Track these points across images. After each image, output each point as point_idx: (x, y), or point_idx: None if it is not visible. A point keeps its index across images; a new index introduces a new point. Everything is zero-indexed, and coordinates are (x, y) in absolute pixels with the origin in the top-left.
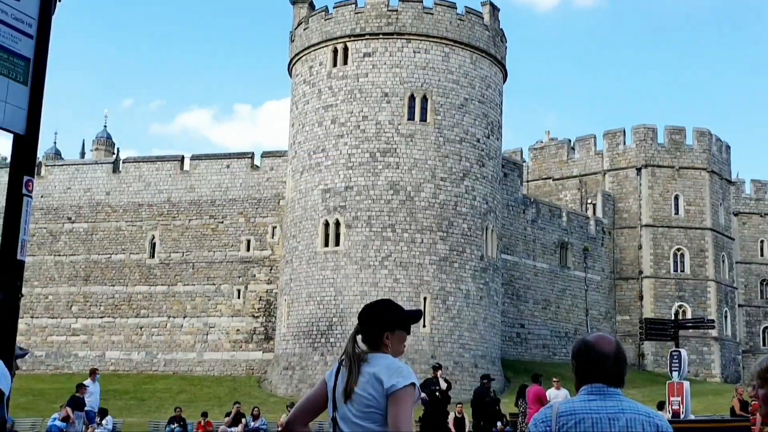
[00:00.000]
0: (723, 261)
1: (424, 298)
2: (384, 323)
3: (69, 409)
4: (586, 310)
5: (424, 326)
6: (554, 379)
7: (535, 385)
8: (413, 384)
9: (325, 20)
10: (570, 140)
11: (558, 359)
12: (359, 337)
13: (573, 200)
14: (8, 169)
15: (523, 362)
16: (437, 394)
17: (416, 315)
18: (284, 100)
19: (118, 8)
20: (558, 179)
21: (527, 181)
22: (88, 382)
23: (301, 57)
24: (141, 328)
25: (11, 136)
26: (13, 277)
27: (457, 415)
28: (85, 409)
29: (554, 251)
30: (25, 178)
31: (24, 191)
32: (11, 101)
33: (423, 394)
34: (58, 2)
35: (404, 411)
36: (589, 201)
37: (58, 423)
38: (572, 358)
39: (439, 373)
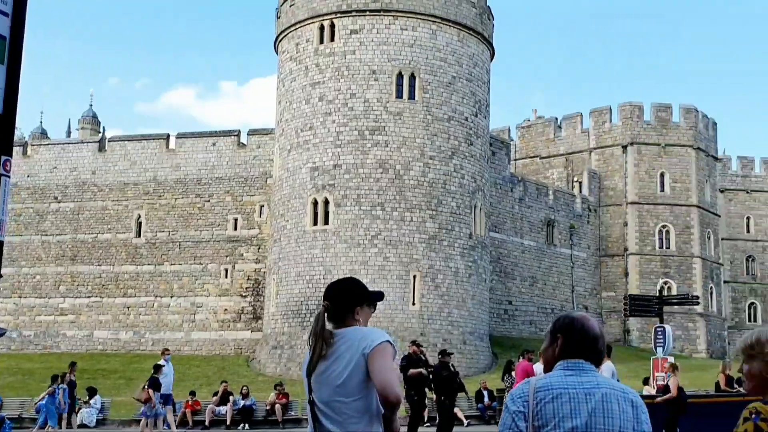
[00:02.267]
0: (709, 238)
1: (414, 276)
2: (355, 298)
3: (150, 391)
4: (572, 287)
5: (413, 304)
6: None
7: (523, 360)
8: (388, 341)
9: None
10: (557, 118)
11: (544, 335)
12: (325, 315)
13: (560, 178)
14: None
15: (510, 338)
16: (429, 371)
17: (380, 295)
18: (270, 77)
19: None
20: (545, 157)
21: (515, 160)
22: (162, 362)
23: (288, 34)
24: (128, 307)
25: None
26: None
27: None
28: (161, 391)
29: (541, 229)
30: (3, 158)
31: (2, 171)
32: None
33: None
34: None
35: (386, 363)
36: (575, 179)
37: (48, 403)
38: (556, 332)
39: (415, 349)
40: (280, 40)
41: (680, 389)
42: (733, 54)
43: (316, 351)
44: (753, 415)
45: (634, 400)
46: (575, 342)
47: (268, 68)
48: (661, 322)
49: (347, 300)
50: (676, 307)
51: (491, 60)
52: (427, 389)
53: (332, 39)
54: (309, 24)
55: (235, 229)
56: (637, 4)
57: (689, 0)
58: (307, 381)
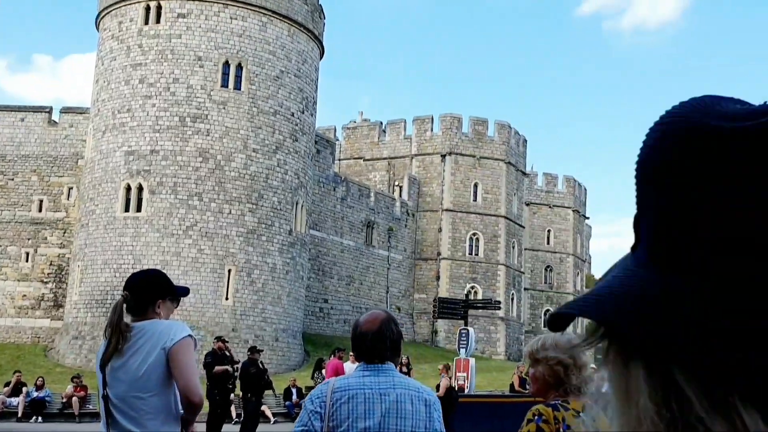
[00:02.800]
0: (513, 247)
1: (229, 270)
2: (157, 291)
3: None
4: (387, 288)
5: (227, 299)
6: (351, 353)
7: (334, 358)
8: (190, 335)
9: None
10: (382, 123)
11: None
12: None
13: (381, 181)
14: None
15: (324, 336)
16: (234, 368)
17: (185, 290)
18: (90, 54)
19: None
20: (369, 160)
21: (339, 160)
22: None
23: (111, 11)
24: None
25: None
26: None
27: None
28: None
29: (361, 230)
30: None
31: None
32: None
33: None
34: None
35: (189, 361)
36: (396, 183)
37: None
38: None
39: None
40: (102, 17)
41: (450, 389)
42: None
43: (112, 343)
44: (536, 417)
45: (427, 399)
46: (354, 344)
47: (88, 44)
48: (466, 324)
49: (149, 292)
50: (480, 310)
51: (321, 58)
52: (232, 386)
53: (158, 21)
54: (134, 3)
55: (40, 210)
56: (464, 18)
57: (509, 20)
58: (102, 375)
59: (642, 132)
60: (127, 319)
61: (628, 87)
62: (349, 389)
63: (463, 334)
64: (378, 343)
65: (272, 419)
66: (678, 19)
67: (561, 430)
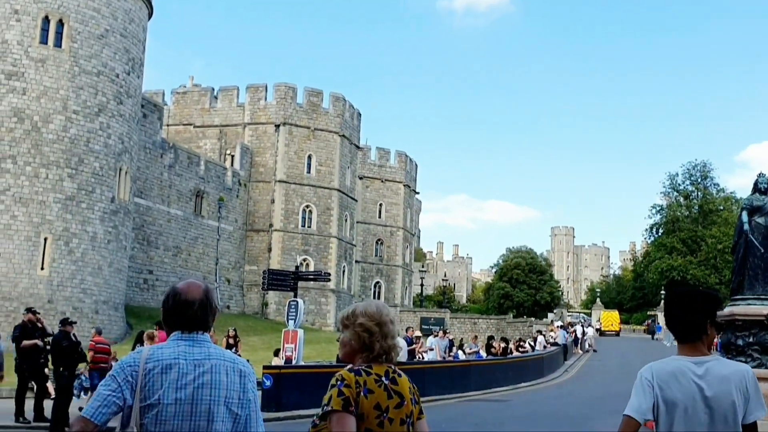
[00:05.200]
0: (346, 220)
1: (45, 239)
2: None
3: None
4: (217, 259)
5: (42, 269)
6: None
7: (161, 331)
8: None
9: None
10: (213, 89)
11: None
12: None
13: (213, 149)
14: None
15: (148, 308)
16: (45, 341)
17: None
18: None
19: None
20: (199, 127)
21: (167, 125)
22: None
23: None
24: None
25: None
26: None
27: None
28: None
29: (190, 199)
30: None
31: None
32: None
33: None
34: None
35: None
36: (228, 152)
37: None
38: (162, 306)
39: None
40: None
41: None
42: (381, 48)
43: None
44: (338, 382)
45: (242, 370)
46: (174, 312)
47: None
48: (295, 296)
49: None
50: (311, 282)
51: (149, 18)
52: (44, 360)
53: None
54: None
55: None
56: None
57: None
58: None
59: (470, 112)
60: None
61: (459, 66)
62: (162, 359)
63: (292, 306)
64: (204, 313)
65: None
66: (507, 3)
67: (362, 393)
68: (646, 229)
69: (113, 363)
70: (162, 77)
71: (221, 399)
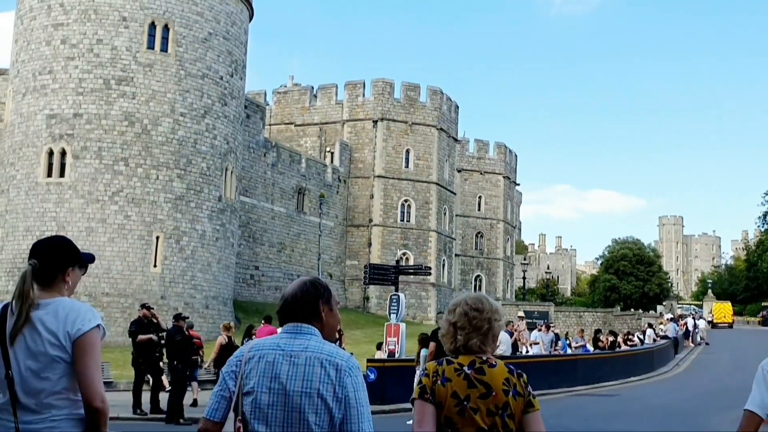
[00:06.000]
0: (445, 213)
1: (157, 237)
2: (66, 258)
3: None
4: (319, 255)
5: (155, 266)
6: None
7: (267, 324)
8: (99, 325)
9: None
10: (313, 87)
11: None
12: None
13: (313, 147)
14: None
15: (255, 303)
16: (159, 336)
17: (92, 257)
18: (8, 12)
19: None
20: (299, 125)
21: (269, 125)
22: None
23: None
24: None
25: None
26: None
27: None
28: None
29: (292, 196)
30: None
31: None
32: None
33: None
34: None
35: (93, 357)
36: (327, 149)
37: None
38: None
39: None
40: None
41: (221, 347)
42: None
43: (22, 315)
44: (423, 371)
45: (339, 364)
46: (281, 306)
47: (7, 2)
48: (396, 290)
49: (58, 259)
50: (411, 276)
51: (250, 20)
52: (159, 354)
53: None
54: None
55: None
56: None
57: None
58: (5, 352)
59: (571, 100)
60: (36, 289)
61: (557, 53)
62: (261, 349)
63: (394, 300)
64: (300, 305)
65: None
66: None
67: (439, 382)
68: (759, 217)
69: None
70: (263, 78)
71: (314, 391)
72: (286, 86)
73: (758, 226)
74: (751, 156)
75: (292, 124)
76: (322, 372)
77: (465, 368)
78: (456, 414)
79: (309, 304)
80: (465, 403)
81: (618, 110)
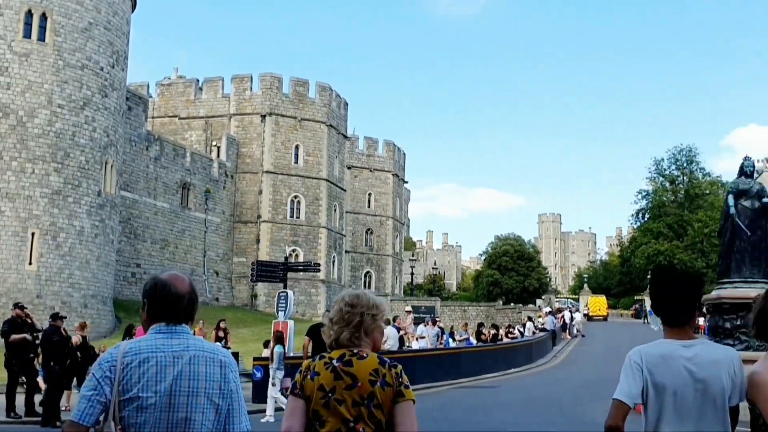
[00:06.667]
0: (335, 210)
1: (32, 234)
2: None
3: None
4: (204, 251)
5: (30, 264)
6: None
7: (140, 327)
8: None
9: None
10: (198, 80)
11: None
12: None
13: (198, 141)
14: None
15: (136, 302)
16: (34, 336)
17: None
18: None
19: None
20: (184, 118)
21: (153, 118)
22: None
23: None
24: None
25: None
26: None
27: None
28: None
29: (176, 191)
30: None
31: None
32: None
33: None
34: None
35: None
36: (214, 143)
37: None
38: (144, 296)
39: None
40: None
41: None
42: (367, 37)
43: None
44: (299, 368)
45: (223, 360)
46: (159, 305)
47: None
48: (285, 287)
49: None
50: (301, 273)
51: (133, 11)
52: (34, 355)
53: None
54: None
55: None
56: None
57: None
58: None
59: (457, 100)
60: None
61: (445, 54)
62: (140, 352)
63: (282, 297)
64: (192, 306)
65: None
66: None
67: (308, 376)
68: (633, 215)
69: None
70: (146, 70)
71: (201, 390)
72: (170, 78)
73: (631, 224)
74: (625, 156)
75: (176, 117)
76: (207, 370)
77: (334, 361)
78: (321, 406)
79: (194, 306)
80: (330, 395)
81: (503, 111)
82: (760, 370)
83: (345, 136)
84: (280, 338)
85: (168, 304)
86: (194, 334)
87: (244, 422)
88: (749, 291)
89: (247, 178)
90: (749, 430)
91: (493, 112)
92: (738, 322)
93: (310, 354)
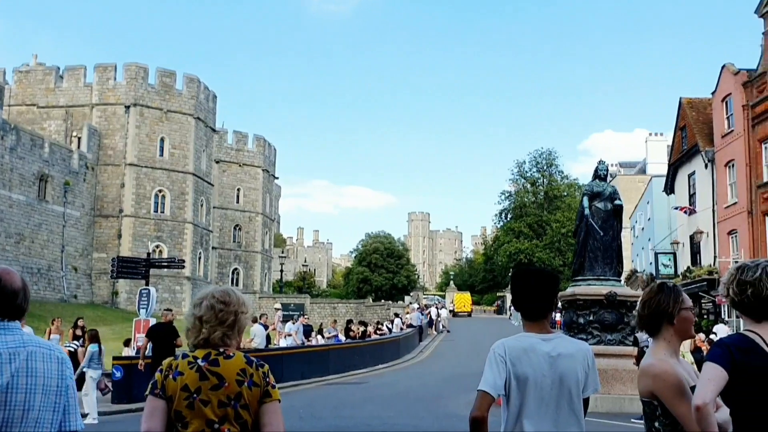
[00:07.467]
0: (202, 205)
1: None
2: None
3: None
4: (63, 246)
5: None
6: None
7: None
8: None
9: None
10: (59, 68)
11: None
12: None
13: (58, 131)
14: None
15: None
16: None
17: None
18: None
19: None
20: (43, 107)
21: (8, 106)
22: None
23: None
24: None
25: None
26: None
27: None
28: None
29: (33, 183)
30: None
31: None
32: None
33: None
34: None
35: None
36: (74, 134)
37: None
38: None
39: None
40: None
41: None
42: (237, 30)
43: None
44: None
45: (60, 357)
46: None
47: None
48: (147, 284)
49: None
50: (165, 270)
51: None
52: None
53: None
54: None
55: None
56: None
57: None
58: None
59: (328, 97)
60: None
61: (317, 50)
62: None
63: (144, 294)
64: (26, 302)
65: None
66: None
67: (170, 376)
68: (496, 215)
69: None
70: (3, 55)
71: (39, 387)
72: (28, 65)
73: (495, 223)
74: (490, 158)
75: (34, 105)
76: (45, 366)
77: (199, 361)
78: (185, 407)
79: (28, 302)
80: (195, 395)
81: (375, 110)
82: (654, 361)
83: (213, 130)
84: (94, 337)
85: (3, 300)
86: (50, 332)
87: (78, 420)
88: (601, 288)
89: (109, 170)
90: (643, 423)
91: (365, 110)
92: (591, 318)
93: (149, 354)
